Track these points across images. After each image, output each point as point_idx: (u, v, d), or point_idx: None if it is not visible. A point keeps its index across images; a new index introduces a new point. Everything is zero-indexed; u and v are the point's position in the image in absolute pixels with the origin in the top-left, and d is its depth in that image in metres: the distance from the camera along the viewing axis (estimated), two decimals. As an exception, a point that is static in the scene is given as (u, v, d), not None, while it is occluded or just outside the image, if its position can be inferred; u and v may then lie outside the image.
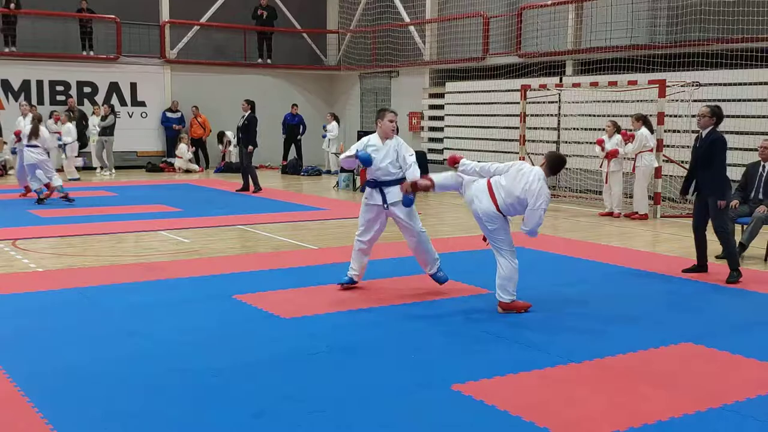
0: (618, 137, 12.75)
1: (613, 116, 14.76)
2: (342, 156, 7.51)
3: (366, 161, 7.09)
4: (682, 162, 13.50)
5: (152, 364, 5.23)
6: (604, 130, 13.46)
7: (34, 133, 13.50)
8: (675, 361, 5.41)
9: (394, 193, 7.11)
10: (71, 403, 4.53)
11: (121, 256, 9.17)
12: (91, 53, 21.16)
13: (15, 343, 5.68)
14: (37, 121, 13.91)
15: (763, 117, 13.14)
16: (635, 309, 6.88)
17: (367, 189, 7.30)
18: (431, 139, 20.86)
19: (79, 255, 9.18)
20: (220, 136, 21.93)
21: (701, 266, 8.32)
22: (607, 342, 5.79)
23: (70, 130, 18.18)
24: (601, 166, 13.26)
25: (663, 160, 12.89)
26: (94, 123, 20.22)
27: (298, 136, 21.97)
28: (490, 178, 6.63)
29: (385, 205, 7.16)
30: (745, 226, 9.21)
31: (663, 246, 10.36)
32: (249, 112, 15.80)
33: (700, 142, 8.15)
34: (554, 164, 6.65)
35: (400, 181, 7.10)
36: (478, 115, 18.94)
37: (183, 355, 5.43)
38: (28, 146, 13.51)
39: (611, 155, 12.76)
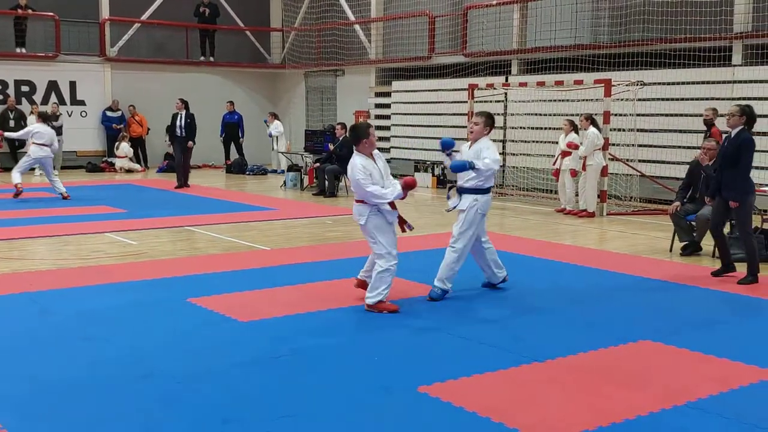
0: (574, 136, 12.93)
1: (558, 115, 14.99)
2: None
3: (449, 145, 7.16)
4: (628, 161, 13.78)
5: (113, 371, 5.09)
6: (554, 128, 13.63)
7: None
8: (637, 359, 5.48)
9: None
10: (28, 412, 4.38)
11: (67, 259, 8.92)
12: (23, 50, 20.51)
13: (-36, 352, 5.47)
14: None
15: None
16: (594, 307, 6.97)
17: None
18: (377, 138, 20.78)
19: (24, 258, 8.90)
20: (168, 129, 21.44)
21: (727, 266, 8.16)
22: (568, 341, 5.84)
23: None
24: (554, 164, 13.41)
25: (609, 159, 13.11)
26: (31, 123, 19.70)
27: (239, 137, 21.62)
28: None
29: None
30: (693, 223, 9.41)
31: (612, 243, 10.53)
32: (185, 110, 16.16)
33: (729, 142, 7.95)
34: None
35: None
36: (424, 114, 19.00)
37: (143, 361, 5.30)
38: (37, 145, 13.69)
39: (566, 153, 12.95)
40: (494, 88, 15.76)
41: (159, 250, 9.55)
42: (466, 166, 6.93)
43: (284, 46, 24.48)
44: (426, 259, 9.14)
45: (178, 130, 16.23)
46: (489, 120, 7.20)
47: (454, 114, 17.86)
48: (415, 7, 19.81)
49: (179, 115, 16.20)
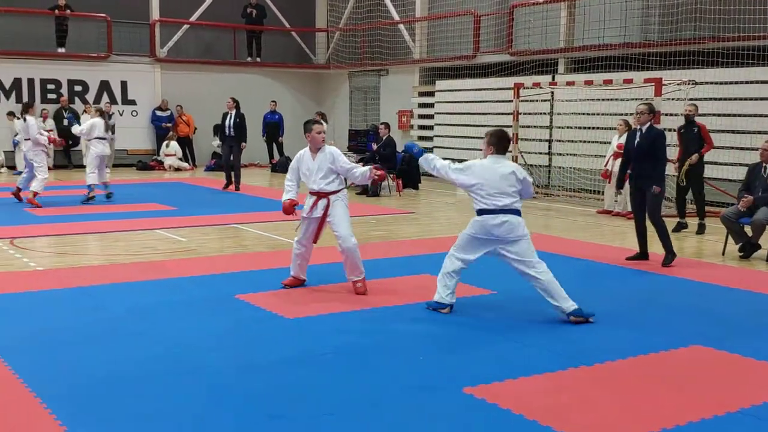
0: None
1: (606, 115, 14.82)
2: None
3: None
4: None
5: (161, 365, 5.18)
6: (601, 128, 13.47)
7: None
8: (688, 365, 5.39)
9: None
10: (83, 404, 4.48)
11: (119, 255, 9.09)
12: (63, 50, 20.88)
13: (24, 345, 5.59)
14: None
15: (759, 116, 13.19)
16: (642, 311, 6.87)
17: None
18: (421, 138, 20.82)
19: (78, 254, 9.10)
20: (217, 130, 21.65)
21: (643, 254, 8.97)
22: (617, 344, 5.76)
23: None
24: (606, 165, 13.24)
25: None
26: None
27: (279, 136, 21.75)
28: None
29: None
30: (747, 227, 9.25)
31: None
32: (236, 110, 16.05)
33: (641, 137, 8.73)
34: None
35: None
36: (468, 114, 18.93)
37: (192, 356, 5.38)
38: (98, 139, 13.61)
39: (618, 154, 12.79)
40: (540, 87, 15.65)
41: (208, 247, 9.68)
42: (413, 149, 6.80)
43: (329, 46, 24.59)
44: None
45: (227, 130, 16.30)
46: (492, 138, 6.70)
47: (498, 113, 17.76)
48: (460, 6, 19.74)
49: (229, 115, 16.20)
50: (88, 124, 13.85)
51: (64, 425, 4.17)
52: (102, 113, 14.46)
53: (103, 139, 13.80)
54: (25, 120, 13.23)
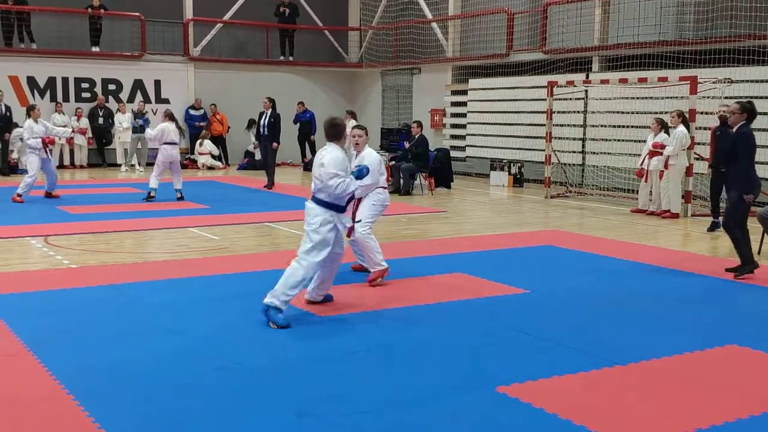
0: (664, 136, 12.63)
1: (641, 113, 14.66)
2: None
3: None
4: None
5: (192, 362, 5.21)
6: (636, 126, 13.34)
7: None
8: (724, 364, 5.31)
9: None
10: (115, 401, 4.51)
11: (152, 253, 9.17)
12: (97, 49, 21.12)
13: (55, 340, 5.66)
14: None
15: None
16: (678, 311, 6.77)
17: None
18: (453, 137, 20.76)
19: (111, 252, 9.19)
20: (251, 123, 21.77)
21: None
22: (651, 344, 5.69)
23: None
24: (642, 164, 13.09)
25: (695, 158, 12.74)
26: (119, 120, 20.40)
27: (311, 134, 21.78)
28: None
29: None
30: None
31: (696, 245, 10.24)
32: (272, 109, 16.05)
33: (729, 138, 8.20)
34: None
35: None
36: (501, 112, 18.83)
37: (222, 353, 5.40)
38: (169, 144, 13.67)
39: (654, 153, 12.66)
40: (574, 86, 15.51)
41: (240, 245, 9.72)
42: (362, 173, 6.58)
43: (361, 45, 24.61)
44: (503, 258, 9.07)
45: (261, 129, 16.37)
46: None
47: (532, 112, 17.64)
48: (494, 4, 19.63)
49: (265, 114, 16.25)
50: (159, 129, 13.84)
51: (96, 422, 4.20)
52: (172, 117, 14.38)
53: (174, 143, 13.81)
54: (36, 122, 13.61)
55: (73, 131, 13.66)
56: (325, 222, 6.26)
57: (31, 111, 13.90)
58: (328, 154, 6.31)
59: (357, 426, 4.21)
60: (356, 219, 7.43)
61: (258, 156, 21.75)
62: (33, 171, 13.38)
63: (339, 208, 6.36)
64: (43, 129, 13.78)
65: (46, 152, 13.77)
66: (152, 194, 13.73)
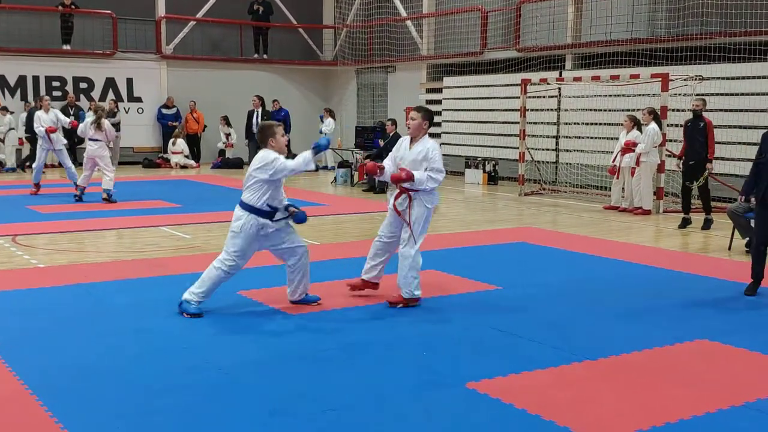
0: (636, 133, 12.71)
1: (614, 111, 14.74)
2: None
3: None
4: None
5: (161, 362, 5.15)
6: (609, 124, 13.40)
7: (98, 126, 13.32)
8: (693, 359, 5.34)
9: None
10: (81, 402, 4.44)
11: (122, 252, 9.07)
12: (69, 47, 20.88)
13: (21, 341, 5.57)
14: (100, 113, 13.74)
15: (766, 111, 13.07)
16: (646, 305, 6.81)
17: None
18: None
19: (81, 251, 9.08)
20: (227, 119, 21.65)
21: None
22: (622, 339, 5.71)
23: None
24: (614, 161, 13.16)
25: (666, 155, 12.83)
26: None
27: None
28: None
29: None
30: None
31: (668, 241, 10.31)
32: (262, 107, 15.88)
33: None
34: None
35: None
36: (476, 110, 18.87)
37: (192, 352, 5.35)
38: (91, 140, 13.32)
39: (626, 150, 12.73)
40: (548, 83, 15.57)
41: (212, 243, 9.64)
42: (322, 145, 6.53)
43: (336, 43, 24.55)
44: (476, 255, 9.08)
45: (254, 128, 16.20)
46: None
47: (506, 110, 17.69)
48: (468, 2, 19.66)
49: (255, 113, 16.05)
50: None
51: (60, 422, 4.14)
52: (103, 112, 14.11)
53: (97, 140, 13.33)
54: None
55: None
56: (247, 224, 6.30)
57: (40, 101, 14.76)
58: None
59: (329, 423, 4.18)
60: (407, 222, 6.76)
61: (229, 155, 21.70)
62: (39, 160, 14.32)
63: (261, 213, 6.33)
64: (52, 119, 13.92)
65: (50, 142, 13.83)
66: (78, 193, 13.44)
